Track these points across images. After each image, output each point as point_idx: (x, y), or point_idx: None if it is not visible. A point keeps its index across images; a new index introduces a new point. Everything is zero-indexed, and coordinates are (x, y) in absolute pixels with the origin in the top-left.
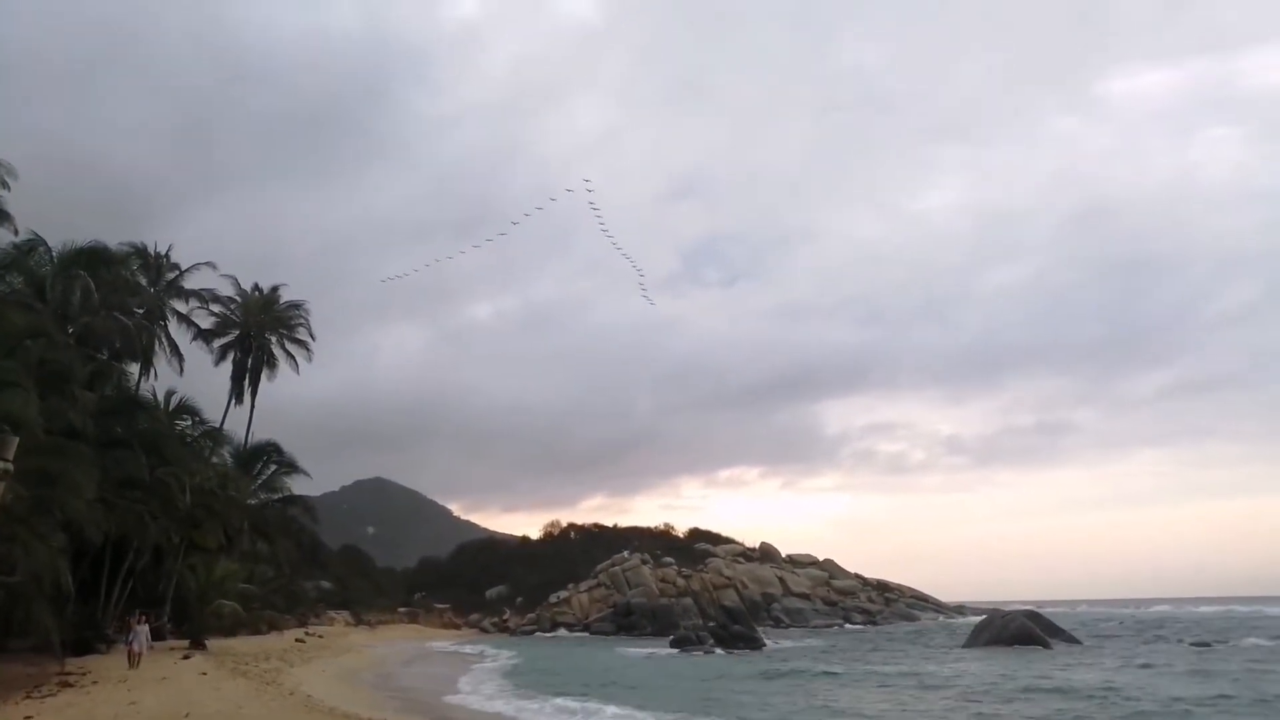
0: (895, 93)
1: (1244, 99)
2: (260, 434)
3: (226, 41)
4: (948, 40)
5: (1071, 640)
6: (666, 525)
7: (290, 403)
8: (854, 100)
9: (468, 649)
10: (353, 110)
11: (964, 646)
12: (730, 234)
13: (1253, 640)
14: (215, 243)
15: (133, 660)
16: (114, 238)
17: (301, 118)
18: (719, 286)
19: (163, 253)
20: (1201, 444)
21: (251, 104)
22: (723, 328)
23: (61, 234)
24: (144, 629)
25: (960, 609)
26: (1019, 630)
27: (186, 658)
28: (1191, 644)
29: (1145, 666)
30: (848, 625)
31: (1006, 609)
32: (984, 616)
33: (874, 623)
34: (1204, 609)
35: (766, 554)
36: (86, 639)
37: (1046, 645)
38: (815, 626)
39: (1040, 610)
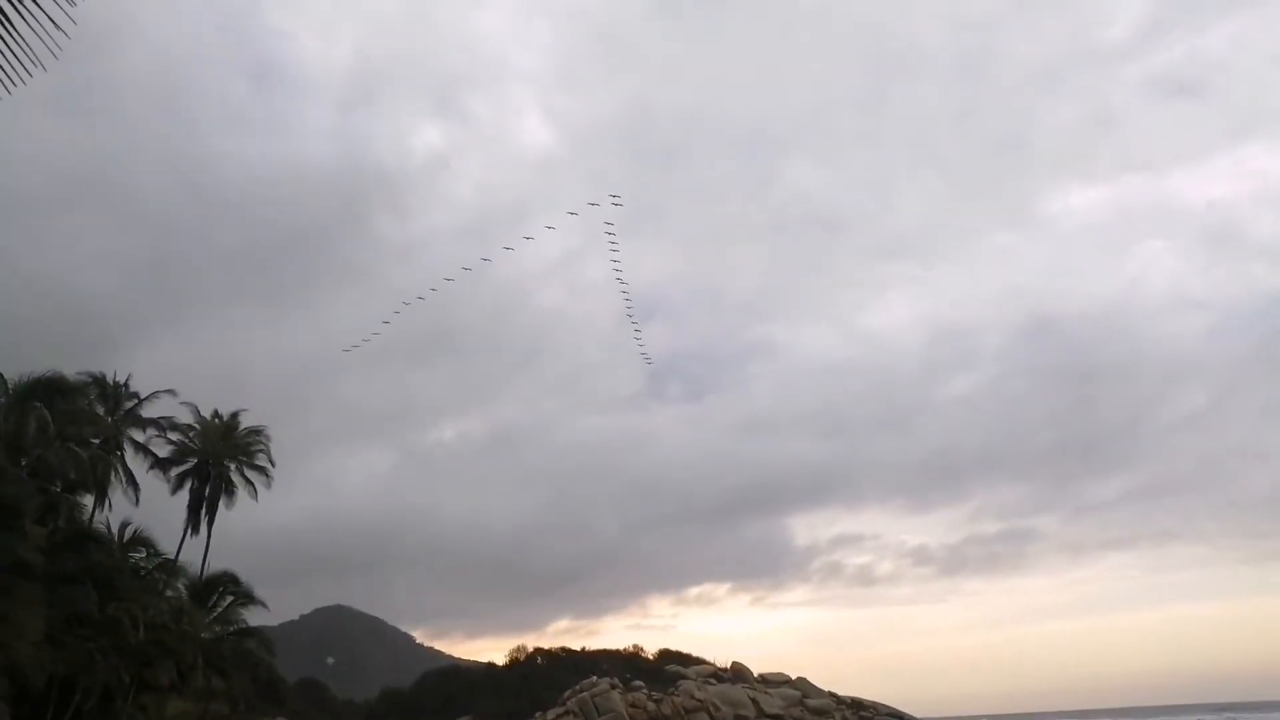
0: (841, 214)
1: (1173, 214)
2: (217, 564)
3: (200, 174)
4: (886, 165)
5: None
6: (635, 647)
7: (249, 531)
8: (803, 222)
9: None
10: (322, 239)
11: None
12: (692, 352)
13: None
14: (178, 370)
15: None
16: (74, 366)
17: (270, 246)
18: (683, 402)
19: (121, 381)
20: (1164, 546)
21: (221, 234)
22: (688, 443)
23: (19, 364)
24: None
25: None
26: None
27: None
28: None
29: None
30: None
31: None
32: None
33: None
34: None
35: (738, 674)
36: None
37: None
38: None
39: None
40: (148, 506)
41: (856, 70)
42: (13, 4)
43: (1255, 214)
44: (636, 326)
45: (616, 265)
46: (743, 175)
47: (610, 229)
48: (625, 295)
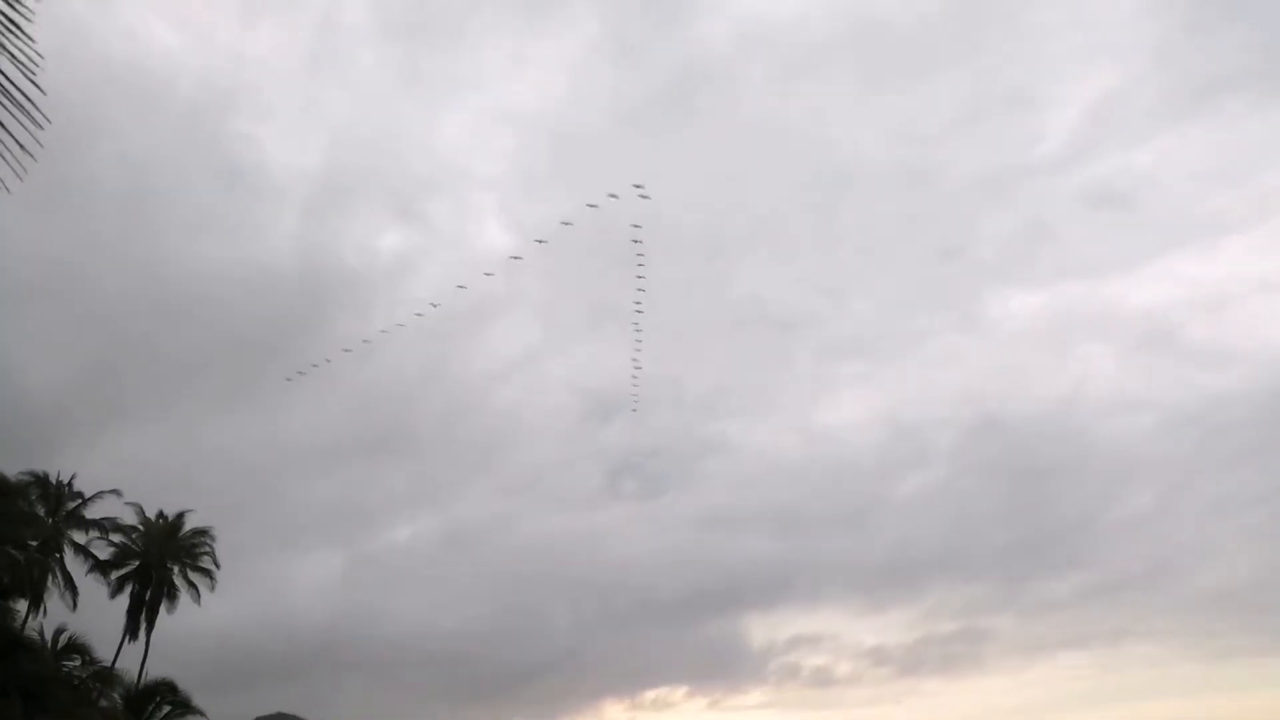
0: (796, 315)
1: (1111, 319)
2: (156, 670)
3: (159, 275)
4: (838, 269)
5: None
6: None
7: (190, 635)
8: (759, 322)
9: None
10: (279, 339)
11: None
12: (650, 449)
13: None
14: (126, 470)
15: None
16: (19, 465)
17: (226, 347)
18: (640, 500)
19: (65, 481)
20: (1116, 645)
21: (176, 334)
22: (645, 542)
23: None
24: None
25: None
26: None
27: None
28: None
29: None
30: None
31: None
32: None
33: None
34: None
35: None
36: None
37: None
38: None
39: None
40: (85, 611)
41: (809, 180)
42: None
43: (1188, 319)
44: (638, 355)
45: (640, 271)
46: (700, 277)
47: (637, 229)
48: (638, 305)
